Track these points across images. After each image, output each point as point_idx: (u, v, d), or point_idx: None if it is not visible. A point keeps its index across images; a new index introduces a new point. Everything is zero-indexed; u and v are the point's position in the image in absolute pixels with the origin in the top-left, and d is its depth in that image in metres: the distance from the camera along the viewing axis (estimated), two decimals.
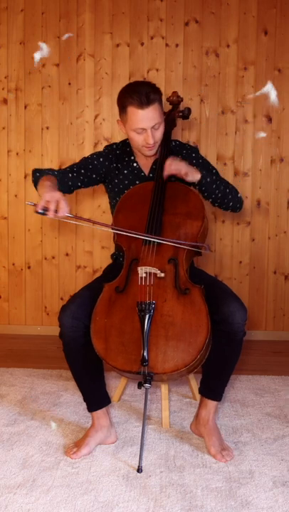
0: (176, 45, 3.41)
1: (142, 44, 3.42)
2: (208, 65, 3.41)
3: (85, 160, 2.31)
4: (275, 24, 3.38)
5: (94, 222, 2.06)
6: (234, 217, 3.49)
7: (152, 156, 2.28)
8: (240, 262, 3.52)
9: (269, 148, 3.45)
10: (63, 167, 3.44)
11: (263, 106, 3.41)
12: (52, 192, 1.89)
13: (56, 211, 1.85)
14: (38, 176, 2.18)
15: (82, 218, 2.02)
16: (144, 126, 2.11)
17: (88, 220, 2.04)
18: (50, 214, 1.85)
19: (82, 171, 2.27)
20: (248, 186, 3.47)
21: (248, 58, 3.40)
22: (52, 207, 1.85)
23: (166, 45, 3.41)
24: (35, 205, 1.88)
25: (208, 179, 2.14)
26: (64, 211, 1.86)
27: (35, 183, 2.17)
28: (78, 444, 2.05)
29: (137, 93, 2.08)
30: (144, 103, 2.07)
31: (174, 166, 2.08)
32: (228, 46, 3.40)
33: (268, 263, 3.53)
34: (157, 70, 3.41)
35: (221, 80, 3.42)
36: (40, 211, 1.85)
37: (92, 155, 2.32)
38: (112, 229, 2.14)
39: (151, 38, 3.41)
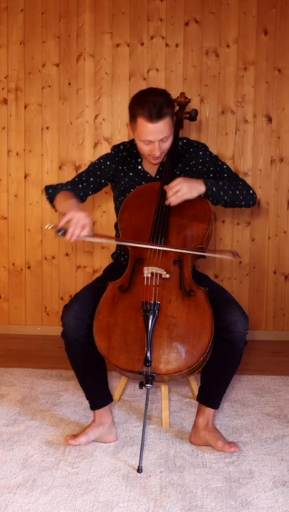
0: (176, 45, 3.41)
1: (142, 44, 3.41)
2: (208, 65, 3.41)
3: (92, 166, 2.29)
4: (275, 24, 3.38)
5: (112, 238, 2.12)
6: (234, 217, 3.49)
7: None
8: (240, 262, 3.52)
9: (269, 148, 3.45)
10: (63, 167, 3.47)
11: (263, 106, 3.42)
12: (75, 212, 1.89)
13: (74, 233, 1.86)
14: (51, 192, 2.18)
15: (100, 235, 2.07)
16: (152, 139, 2.07)
17: (106, 237, 2.12)
18: (68, 236, 1.85)
19: (92, 179, 2.26)
20: None
21: (248, 58, 3.40)
22: (71, 229, 1.85)
23: (166, 45, 3.41)
24: (54, 227, 1.88)
25: (214, 188, 2.10)
26: (83, 233, 1.86)
27: (51, 200, 2.16)
28: (77, 434, 2.08)
29: (149, 105, 2.02)
30: (154, 117, 2.01)
31: (176, 199, 2.05)
32: (228, 46, 3.40)
33: (267, 263, 3.52)
34: (157, 70, 3.41)
35: (221, 80, 3.42)
36: (59, 234, 1.86)
37: (99, 160, 2.30)
38: (131, 243, 2.05)
39: (151, 38, 3.41)
